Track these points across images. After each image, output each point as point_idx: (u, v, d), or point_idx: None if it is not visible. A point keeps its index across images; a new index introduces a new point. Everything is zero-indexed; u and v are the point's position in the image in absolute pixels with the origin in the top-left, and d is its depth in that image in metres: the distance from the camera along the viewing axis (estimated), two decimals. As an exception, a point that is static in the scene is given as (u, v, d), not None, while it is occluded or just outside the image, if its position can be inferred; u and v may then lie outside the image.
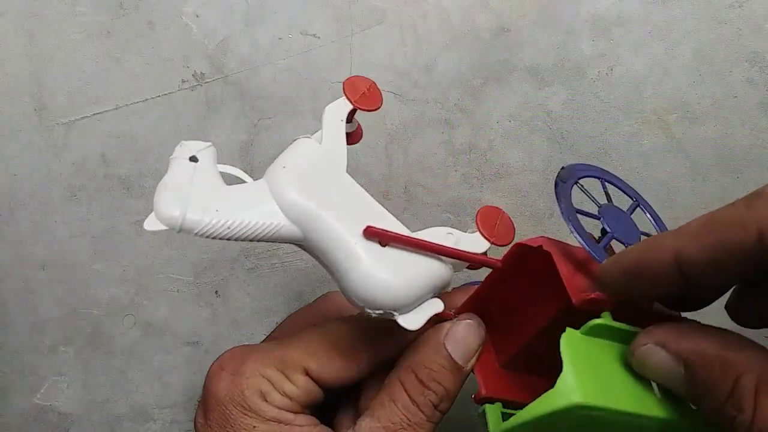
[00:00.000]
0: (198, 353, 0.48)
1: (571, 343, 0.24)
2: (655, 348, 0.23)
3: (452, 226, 0.47)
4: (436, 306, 0.28)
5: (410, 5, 0.48)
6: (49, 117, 0.49)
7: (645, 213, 0.31)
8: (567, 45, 0.47)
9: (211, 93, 0.49)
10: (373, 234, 0.26)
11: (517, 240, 0.29)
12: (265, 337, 0.37)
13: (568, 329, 0.24)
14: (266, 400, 0.29)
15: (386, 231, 0.26)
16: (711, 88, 0.46)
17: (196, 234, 0.24)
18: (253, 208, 0.25)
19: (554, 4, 0.47)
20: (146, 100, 0.49)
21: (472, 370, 0.30)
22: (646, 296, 0.23)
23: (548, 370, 0.33)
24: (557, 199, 0.27)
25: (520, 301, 0.31)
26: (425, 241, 0.27)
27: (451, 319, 0.31)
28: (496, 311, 0.31)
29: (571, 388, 0.22)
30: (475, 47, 0.48)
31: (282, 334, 0.34)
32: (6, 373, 0.49)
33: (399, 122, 0.48)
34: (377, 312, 0.26)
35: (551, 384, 0.33)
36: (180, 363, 0.48)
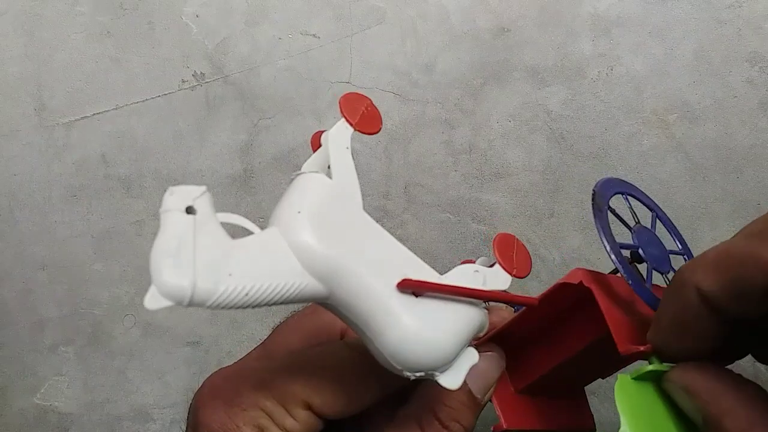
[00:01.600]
0: (198, 353, 0.48)
1: (624, 391, 0.23)
2: (680, 391, 0.23)
3: (452, 226, 0.47)
4: (472, 358, 0.25)
5: (410, 5, 0.48)
6: (49, 117, 0.49)
7: (663, 224, 0.31)
8: (567, 45, 0.47)
9: (211, 93, 0.49)
10: (408, 286, 0.23)
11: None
12: (260, 342, 0.34)
13: (620, 377, 0.23)
14: None
15: (424, 282, 0.23)
16: (711, 88, 0.46)
17: (208, 307, 0.20)
18: (272, 266, 0.21)
19: (554, 4, 0.47)
20: (146, 100, 0.49)
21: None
22: (697, 353, 0.23)
23: (566, 391, 0.32)
24: (602, 237, 0.26)
25: (547, 329, 0.30)
26: (465, 287, 0.24)
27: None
28: (516, 339, 0.30)
29: None
30: (475, 47, 0.48)
31: (278, 345, 0.31)
32: (6, 373, 0.49)
33: (399, 122, 0.48)
34: (417, 374, 0.23)
35: (571, 405, 0.32)
36: (180, 363, 0.48)
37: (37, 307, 0.49)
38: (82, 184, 0.49)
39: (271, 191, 0.48)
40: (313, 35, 0.48)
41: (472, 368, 0.26)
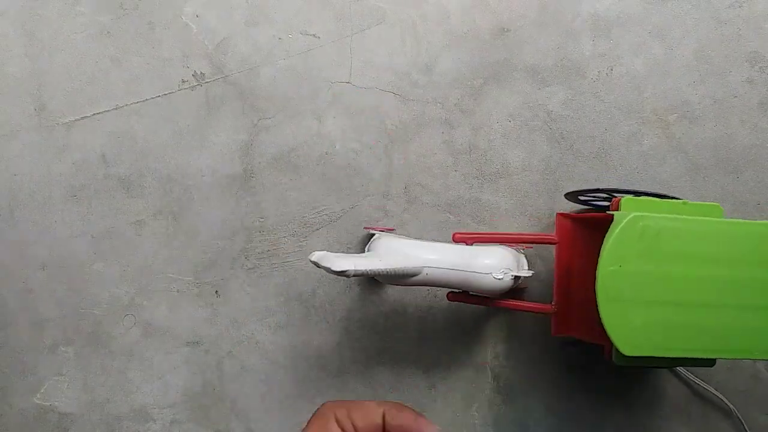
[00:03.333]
0: (198, 353, 0.48)
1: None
2: None
3: (452, 226, 0.47)
4: (525, 263, 0.44)
5: (410, 5, 0.48)
6: (49, 117, 0.49)
7: None
8: (567, 45, 0.47)
9: (211, 93, 0.49)
10: (460, 239, 0.42)
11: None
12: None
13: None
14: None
15: (468, 233, 0.42)
16: (711, 88, 0.46)
17: (354, 275, 0.37)
18: (392, 260, 0.40)
19: (554, 4, 0.47)
20: (146, 100, 0.49)
21: None
22: None
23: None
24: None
25: (589, 268, 0.36)
26: (495, 233, 0.45)
27: (550, 312, 0.43)
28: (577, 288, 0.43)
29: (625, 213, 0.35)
30: (475, 47, 0.48)
31: None
32: (6, 373, 0.49)
33: (399, 122, 0.48)
34: (504, 271, 0.40)
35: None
36: (180, 363, 0.48)
37: (37, 307, 0.49)
38: (82, 184, 0.49)
39: (271, 191, 0.48)
40: (313, 35, 0.48)
41: None
